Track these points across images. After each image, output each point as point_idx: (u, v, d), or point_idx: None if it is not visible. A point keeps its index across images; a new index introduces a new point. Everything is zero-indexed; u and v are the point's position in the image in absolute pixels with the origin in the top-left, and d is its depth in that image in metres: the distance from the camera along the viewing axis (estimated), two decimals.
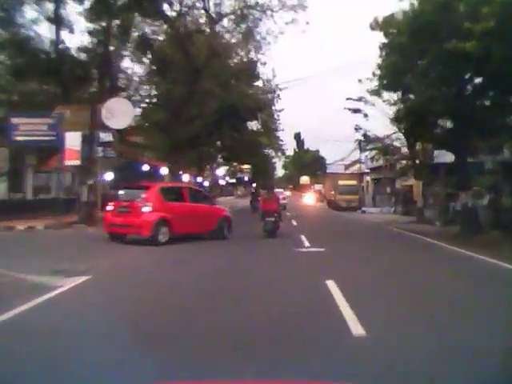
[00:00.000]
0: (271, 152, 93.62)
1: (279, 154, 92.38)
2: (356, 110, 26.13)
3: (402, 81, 16.69)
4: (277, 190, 66.06)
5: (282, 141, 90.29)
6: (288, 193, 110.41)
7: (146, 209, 12.09)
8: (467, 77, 16.05)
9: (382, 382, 3.90)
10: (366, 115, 26.25)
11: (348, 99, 26.78)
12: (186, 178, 37.11)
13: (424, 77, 15.65)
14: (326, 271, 9.00)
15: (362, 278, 8.72)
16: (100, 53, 16.43)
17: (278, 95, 34.52)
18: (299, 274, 9.14)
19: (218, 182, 75.06)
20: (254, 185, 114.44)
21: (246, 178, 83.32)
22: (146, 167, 32.48)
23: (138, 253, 11.53)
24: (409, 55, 15.85)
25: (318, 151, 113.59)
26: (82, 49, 16.53)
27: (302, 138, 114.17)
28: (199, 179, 37.72)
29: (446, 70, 14.99)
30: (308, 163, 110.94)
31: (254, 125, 39.13)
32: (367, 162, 41.15)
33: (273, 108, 34.12)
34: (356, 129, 26.67)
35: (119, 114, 16.01)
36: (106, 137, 16.25)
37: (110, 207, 12.76)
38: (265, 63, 29.65)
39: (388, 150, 27.22)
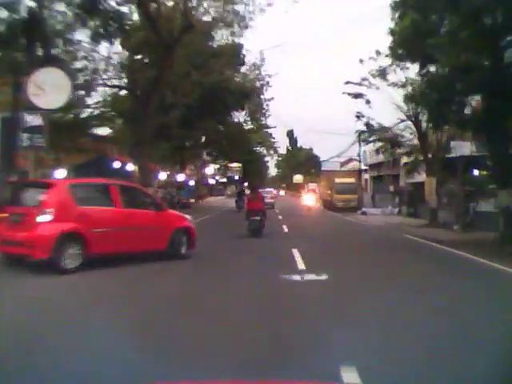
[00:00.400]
0: (263, 150, 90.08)
1: (271, 152, 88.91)
2: (357, 95, 22.32)
3: (422, 46, 12.82)
4: (267, 189, 63.81)
5: (274, 138, 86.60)
6: (282, 192, 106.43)
7: (42, 218, 7.93)
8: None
9: None
10: (368, 102, 22.44)
11: (347, 83, 22.94)
12: (163, 175, 33.12)
13: (453, 40, 11.83)
14: (342, 343, 4.89)
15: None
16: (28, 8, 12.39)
17: (268, 82, 30.65)
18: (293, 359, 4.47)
19: (206, 181, 71.15)
20: (246, 184, 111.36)
21: (237, 177, 79.32)
22: (117, 164, 28.51)
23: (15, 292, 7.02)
24: (433, 10, 11.99)
25: (311, 149, 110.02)
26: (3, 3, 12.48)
27: (295, 135, 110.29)
28: (180, 177, 33.64)
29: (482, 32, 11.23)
30: (301, 162, 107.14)
31: (240, 116, 35.15)
32: (365, 158, 37.38)
33: (261, 97, 30.29)
34: (358, 116, 22.84)
35: (52, 89, 12.03)
36: (33, 120, 12.18)
37: (3, 215, 8.46)
38: (248, 50, 25.88)
39: (395, 141, 23.25)
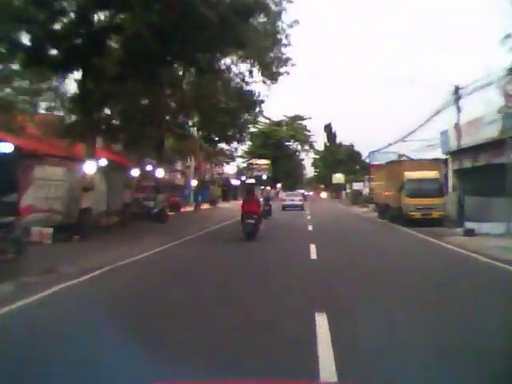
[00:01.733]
0: (296, 145, 77.24)
1: (306, 147, 76.00)
2: None
3: None
4: (298, 190, 56.13)
5: (308, 131, 73.79)
6: (324, 194, 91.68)
7: None
8: None
9: None
10: None
11: None
12: (135, 172, 21.29)
13: None
14: None
15: None
16: None
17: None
18: None
19: (229, 182, 59.11)
20: (279, 185, 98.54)
21: (265, 177, 67.02)
22: None
23: None
24: None
25: (352, 145, 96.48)
26: None
27: (333, 129, 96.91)
28: (159, 173, 21.63)
29: None
30: (341, 160, 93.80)
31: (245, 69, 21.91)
32: (447, 142, 24.41)
33: (278, 23, 17.91)
34: None
35: None
36: None
37: None
38: None
39: None
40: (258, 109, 21.78)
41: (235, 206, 44.29)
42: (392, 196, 22.56)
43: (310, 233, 18.59)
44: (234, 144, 24.21)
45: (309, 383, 3.55)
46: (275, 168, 72.76)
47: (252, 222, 14.40)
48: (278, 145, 69.21)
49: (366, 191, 49.98)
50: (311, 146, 73.87)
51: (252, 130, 72.71)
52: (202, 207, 32.36)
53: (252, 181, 70.64)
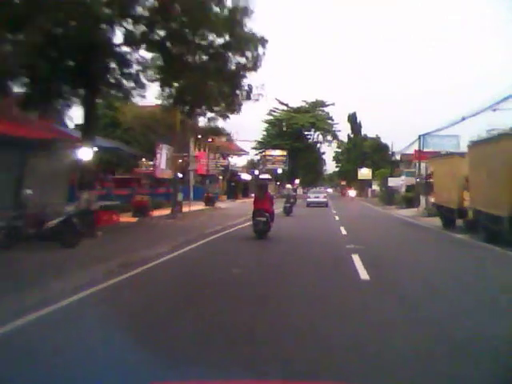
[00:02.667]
0: (317, 136, 67.86)
1: (329, 138, 66.57)
2: None
3: None
4: (323, 188, 54.40)
5: (331, 119, 64.33)
6: (352, 193, 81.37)
7: None
8: None
9: None
10: None
11: None
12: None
13: None
14: None
15: None
16: None
17: None
18: None
19: (238, 177, 50.14)
20: (297, 181, 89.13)
21: (280, 171, 58.02)
22: None
23: None
24: None
25: (378, 138, 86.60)
26: None
27: (358, 120, 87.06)
28: (85, 154, 12.65)
29: None
30: (367, 153, 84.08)
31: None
32: None
33: None
34: None
35: None
36: None
37: None
38: None
39: None
40: (260, 50, 12.93)
41: (243, 205, 35.41)
42: (485, 198, 13.32)
43: (345, 238, 14.69)
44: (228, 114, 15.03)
45: (309, 383, 3.52)
46: (293, 161, 63.68)
47: (263, 219, 13.52)
48: (297, 134, 60.10)
49: (403, 189, 40.64)
50: (334, 137, 64.25)
51: (267, 117, 64.16)
52: (190, 208, 23.66)
53: (266, 176, 61.52)
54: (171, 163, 24.81)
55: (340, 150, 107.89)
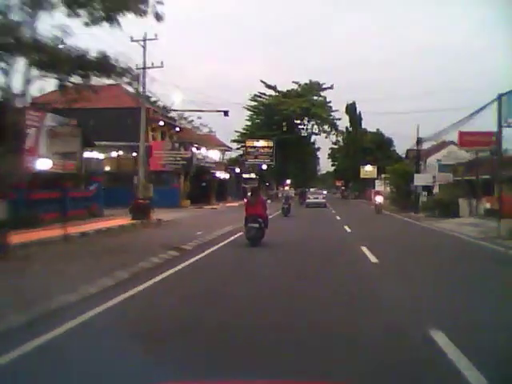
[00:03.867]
0: (312, 126, 56.52)
1: (325, 127, 55.23)
2: None
3: None
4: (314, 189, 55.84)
5: (330, 107, 53.22)
6: (379, 198, 69.18)
7: None
8: None
9: None
10: None
11: None
12: None
13: None
14: None
15: None
16: None
17: None
18: None
19: (210, 174, 38.19)
20: (288, 181, 77.53)
21: (265, 166, 46.60)
22: None
23: None
24: None
25: (380, 133, 75.83)
26: None
27: (358, 110, 76.20)
28: None
29: None
30: (369, 149, 73.21)
31: None
32: None
33: None
34: None
35: None
36: None
37: None
38: None
39: None
40: None
41: (211, 216, 23.29)
42: None
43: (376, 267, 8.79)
44: None
45: (310, 383, 3.34)
46: (282, 157, 52.49)
47: (256, 226, 12.27)
48: (287, 123, 48.66)
49: (436, 189, 29.60)
50: (333, 127, 52.87)
51: (251, 103, 52.96)
52: (97, 226, 12.39)
53: (251, 175, 49.97)
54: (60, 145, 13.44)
55: (337, 146, 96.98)
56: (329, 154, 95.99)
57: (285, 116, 48.80)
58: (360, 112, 76.54)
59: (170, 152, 29.79)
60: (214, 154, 39.29)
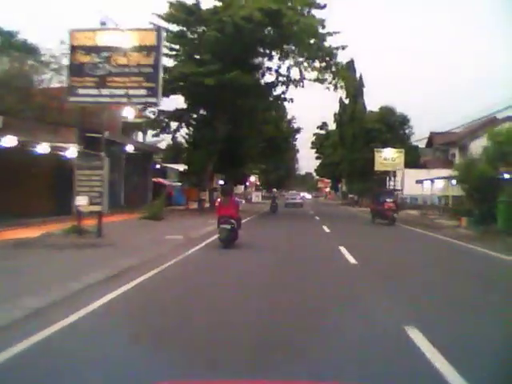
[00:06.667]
0: (288, 63, 29.74)
1: (315, 64, 28.75)
2: None
3: None
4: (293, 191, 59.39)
5: (322, 24, 27.13)
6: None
7: None
8: None
9: None
10: None
11: None
12: None
13: None
14: None
15: None
16: None
17: None
18: None
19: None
20: (253, 179, 52.57)
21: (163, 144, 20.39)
22: None
23: None
24: None
25: (390, 108, 50.48)
26: None
27: (359, 74, 50.43)
28: None
29: None
30: (376, 130, 47.62)
31: None
32: None
33: None
34: None
35: None
36: None
37: None
38: None
39: None
40: None
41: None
42: None
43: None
44: None
45: (309, 383, 3.46)
46: (233, 129, 26.93)
47: (228, 227, 12.33)
48: (237, 48, 22.45)
49: None
50: (327, 66, 26.36)
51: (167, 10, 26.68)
52: None
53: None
54: None
55: (323, 132, 71.10)
56: (312, 143, 69.79)
57: (231, 33, 22.57)
58: (361, 76, 50.66)
59: None
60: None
